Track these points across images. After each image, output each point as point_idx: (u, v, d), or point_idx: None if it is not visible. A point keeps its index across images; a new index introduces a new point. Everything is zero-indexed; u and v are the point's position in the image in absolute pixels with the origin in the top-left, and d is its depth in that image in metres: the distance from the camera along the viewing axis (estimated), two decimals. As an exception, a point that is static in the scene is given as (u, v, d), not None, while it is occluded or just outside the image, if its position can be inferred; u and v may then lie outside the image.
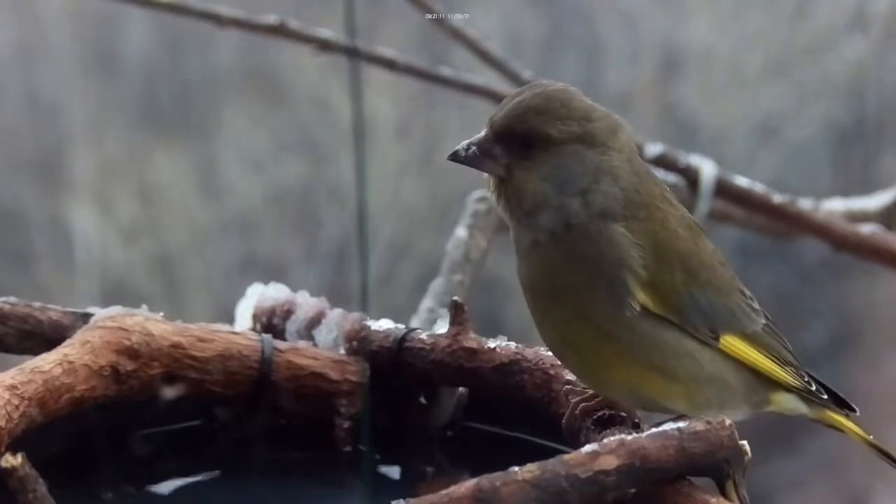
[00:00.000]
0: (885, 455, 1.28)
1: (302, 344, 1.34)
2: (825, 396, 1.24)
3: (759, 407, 1.22)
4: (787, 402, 1.23)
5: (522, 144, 1.15)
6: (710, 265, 1.20)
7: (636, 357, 1.16)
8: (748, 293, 1.22)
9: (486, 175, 1.18)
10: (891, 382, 4.55)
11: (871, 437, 1.26)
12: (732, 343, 1.19)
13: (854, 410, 1.26)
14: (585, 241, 1.15)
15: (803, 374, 1.23)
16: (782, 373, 1.21)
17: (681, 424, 1.09)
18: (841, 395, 1.25)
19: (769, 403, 1.23)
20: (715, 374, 1.19)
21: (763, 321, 1.22)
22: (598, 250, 1.15)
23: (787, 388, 1.22)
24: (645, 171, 1.19)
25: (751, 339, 1.20)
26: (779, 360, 1.21)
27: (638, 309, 1.15)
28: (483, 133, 1.16)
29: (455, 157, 1.16)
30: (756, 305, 1.22)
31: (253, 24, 2.14)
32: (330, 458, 1.31)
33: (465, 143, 1.17)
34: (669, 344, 1.17)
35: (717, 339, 1.18)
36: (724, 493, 1.10)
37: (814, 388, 1.23)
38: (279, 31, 2.13)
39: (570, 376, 1.25)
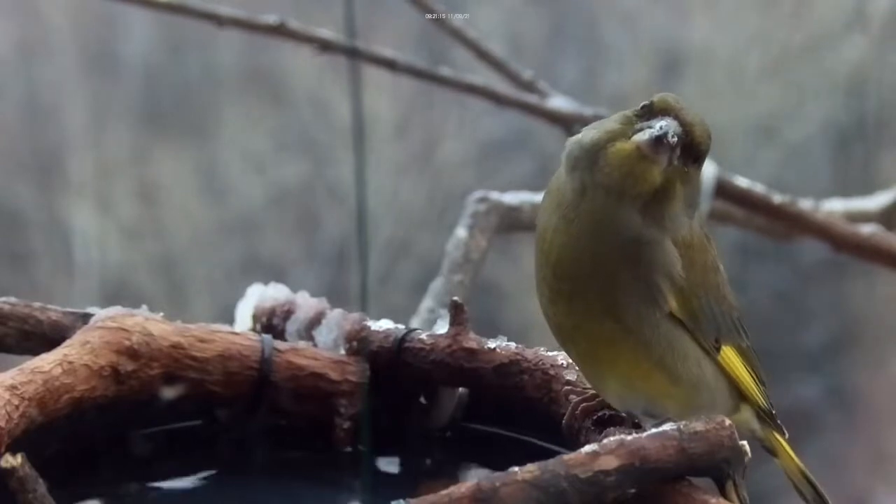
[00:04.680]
0: (812, 487, 1.30)
1: (302, 344, 1.34)
2: (779, 422, 1.27)
3: (728, 415, 1.24)
4: (747, 416, 1.26)
5: (694, 159, 1.17)
6: (724, 282, 1.23)
7: (650, 354, 1.17)
8: (741, 312, 1.25)
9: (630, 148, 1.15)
10: (891, 382, 4.55)
11: (803, 465, 1.30)
12: (729, 354, 1.22)
13: (784, 434, 1.29)
14: (641, 245, 1.16)
15: (769, 396, 1.26)
16: (757, 391, 1.24)
17: (681, 424, 1.09)
18: (778, 421, 1.28)
19: (736, 413, 1.25)
20: (711, 383, 1.21)
21: (748, 339, 1.25)
22: (650, 256, 1.16)
23: (755, 407, 1.25)
24: None
25: (744, 352, 1.23)
26: (757, 378, 1.24)
27: (667, 311, 1.17)
28: (680, 129, 1.15)
29: (661, 141, 1.14)
30: (744, 324, 1.25)
31: (253, 24, 2.14)
32: (330, 459, 1.31)
33: (669, 128, 1.14)
34: (682, 347, 1.19)
35: (719, 348, 1.21)
36: (723, 494, 1.10)
37: (774, 412, 1.26)
38: (279, 31, 2.13)
39: (570, 376, 1.25)
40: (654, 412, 1.21)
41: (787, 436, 1.28)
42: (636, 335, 1.17)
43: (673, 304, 1.17)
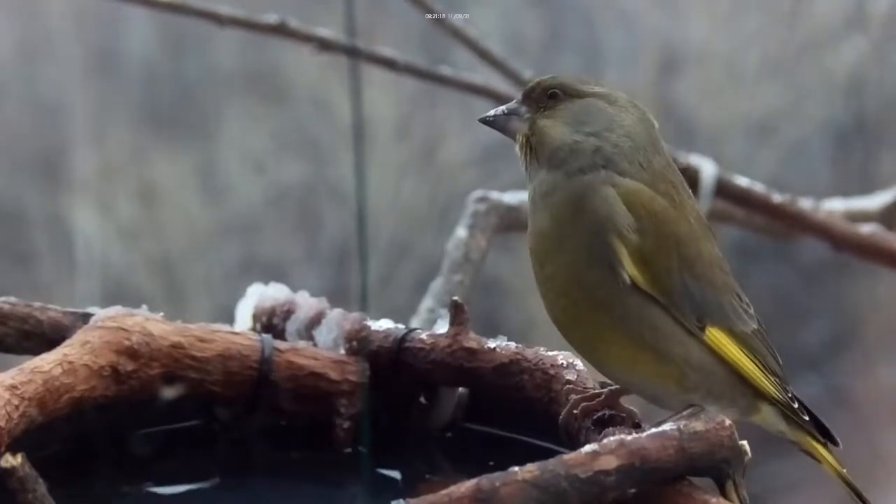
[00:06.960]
0: (856, 493, 1.26)
1: (302, 344, 1.34)
2: (806, 418, 1.24)
3: (747, 413, 1.22)
4: (769, 415, 1.24)
5: (548, 97, 1.23)
6: (709, 261, 1.21)
7: (629, 332, 1.18)
8: (745, 299, 1.23)
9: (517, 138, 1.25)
10: (890, 382, 4.55)
11: (844, 470, 1.26)
12: (718, 337, 1.20)
13: (837, 444, 1.25)
14: (583, 195, 1.18)
15: (788, 389, 1.23)
16: (764, 380, 1.21)
17: (681, 424, 1.09)
18: (826, 424, 1.25)
19: (757, 411, 1.23)
20: (704, 363, 1.20)
21: (755, 326, 1.22)
22: (593, 206, 1.18)
23: (771, 400, 1.22)
24: (667, 156, 1.23)
25: (738, 337, 1.21)
26: (763, 366, 1.22)
27: (628, 281, 1.17)
28: (510, 105, 1.26)
29: (484, 119, 1.25)
30: (751, 311, 1.23)
31: (253, 24, 2.14)
32: (330, 459, 1.31)
33: (496, 108, 1.26)
34: (659, 323, 1.18)
35: (703, 329, 1.19)
36: (723, 494, 1.10)
37: (796, 405, 1.23)
38: (279, 30, 2.13)
39: (570, 376, 1.25)
40: (656, 395, 1.21)
41: (824, 441, 1.24)
42: (607, 309, 1.18)
43: (632, 271, 1.17)
